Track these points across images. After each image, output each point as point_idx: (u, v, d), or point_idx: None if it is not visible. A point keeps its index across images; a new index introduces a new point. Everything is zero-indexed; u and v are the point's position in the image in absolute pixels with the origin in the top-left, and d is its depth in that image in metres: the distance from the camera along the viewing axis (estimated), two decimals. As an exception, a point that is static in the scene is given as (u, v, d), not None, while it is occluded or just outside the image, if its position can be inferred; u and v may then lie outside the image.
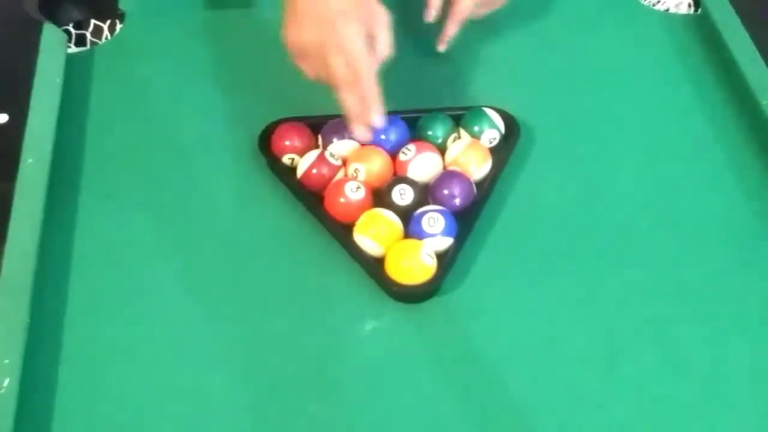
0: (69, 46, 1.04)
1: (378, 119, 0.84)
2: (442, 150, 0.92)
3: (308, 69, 0.87)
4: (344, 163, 0.90)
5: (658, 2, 1.14)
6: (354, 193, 0.86)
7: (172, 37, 1.08)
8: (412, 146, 0.90)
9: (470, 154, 0.90)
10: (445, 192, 0.87)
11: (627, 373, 0.78)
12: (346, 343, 0.80)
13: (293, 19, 0.85)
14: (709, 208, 0.91)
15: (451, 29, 1.03)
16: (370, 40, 0.83)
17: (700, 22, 1.10)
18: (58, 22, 1.05)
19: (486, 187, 0.90)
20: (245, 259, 0.86)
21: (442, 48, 1.04)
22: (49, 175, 0.88)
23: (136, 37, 1.07)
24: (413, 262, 0.81)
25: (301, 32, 0.84)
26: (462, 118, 0.95)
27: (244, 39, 1.08)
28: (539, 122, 0.98)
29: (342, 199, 0.86)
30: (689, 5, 1.13)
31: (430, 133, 0.93)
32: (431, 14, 1.03)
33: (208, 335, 0.80)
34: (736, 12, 1.06)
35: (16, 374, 0.73)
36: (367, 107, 0.84)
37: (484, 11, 1.08)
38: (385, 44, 0.84)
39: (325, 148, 0.91)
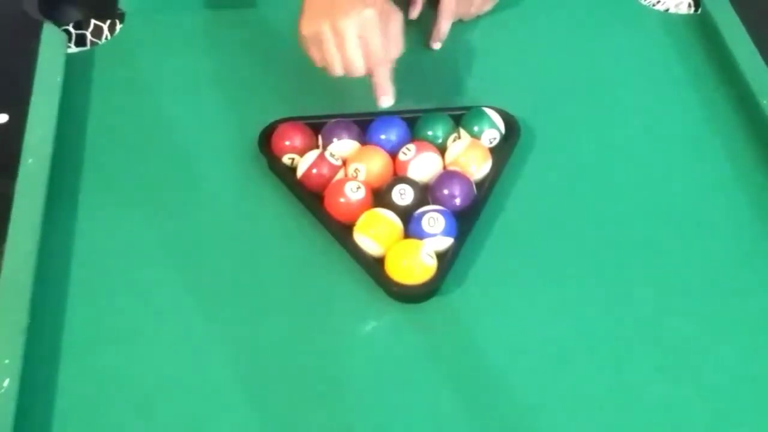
0: (69, 46, 1.04)
1: (385, 100, 0.88)
2: (442, 150, 0.92)
3: (315, 56, 0.89)
4: (344, 163, 0.90)
5: (658, 2, 1.14)
6: (354, 193, 0.86)
7: (172, 37, 1.08)
8: (412, 146, 0.90)
9: (470, 154, 0.90)
10: (445, 192, 0.87)
11: (627, 372, 0.78)
12: (346, 343, 0.80)
13: (307, 8, 0.87)
14: (709, 208, 0.91)
15: (443, 26, 1.04)
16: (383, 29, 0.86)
17: (700, 22, 1.10)
18: (58, 22, 1.05)
19: (486, 187, 0.90)
20: (245, 259, 0.86)
21: (436, 46, 1.06)
22: (49, 175, 0.88)
23: (136, 37, 1.07)
24: (413, 262, 0.81)
25: (310, 21, 0.86)
26: (462, 118, 0.95)
27: (244, 39, 1.08)
28: (539, 122, 0.98)
29: (342, 199, 0.86)
30: (689, 5, 1.13)
31: (430, 133, 0.93)
32: (414, 12, 1.05)
33: (208, 335, 0.80)
34: (736, 12, 1.06)
35: (16, 374, 0.73)
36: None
37: (474, 11, 1.09)
38: (396, 44, 0.88)
39: (325, 148, 0.91)
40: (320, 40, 0.86)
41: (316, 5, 0.86)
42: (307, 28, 0.86)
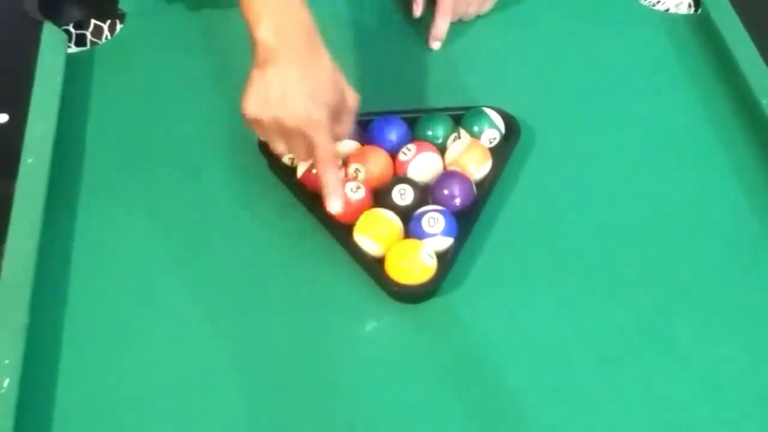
0: (69, 46, 1.04)
1: (335, 206, 0.82)
2: (442, 150, 0.92)
3: (255, 132, 0.84)
4: (344, 163, 0.90)
5: (658, 2, 1.14)
6: (354, 193, 0.86)
7: (172, 37, 1.08)
8: (412, 146, 0.90)
9: (470, 154, 0.90)
10: (445, 192, 0.87)
11: (628, 373, 0.78)
12: (346, 343, 0.80)
13: (259, 90, 0.78)
14: (709, 208, 0.91)
15: (440, 25, 1.04)
16: (334, 119, 0.80)
17: (700, 22, 1.10)
18: (58, 22, 1.05)
19: (486, 187, 0.90)
20: (245, 259, 0.86)
21: (435, 45, 1.05)
22: (49, 175, 0.88)
23: (136, 37, 1.07)
24: (413, 262, 0.81)
25: (255, 105, 0.78)
26: (462, 118, 0.95)
27: (245, 39, 1.08)
28: (539, 122, 0.98)
29: (342, 200, 0.86)
30: (689, 5, 1.13)
31: (430, 133, 0.93)
32: (417, 11, 1.05)
33: (208, 335, 0.80)
34: (736, 12, 1.06)
35: (16, 374, 0.73)
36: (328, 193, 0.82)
37: (473, 11, 1.09)
38: (345, 128, 0.83)
39: (325, 148, 0.91)
40: (262, 128, 0.80)
41: (265, 87, 0.77)
42: (250, 110, 0.78)
